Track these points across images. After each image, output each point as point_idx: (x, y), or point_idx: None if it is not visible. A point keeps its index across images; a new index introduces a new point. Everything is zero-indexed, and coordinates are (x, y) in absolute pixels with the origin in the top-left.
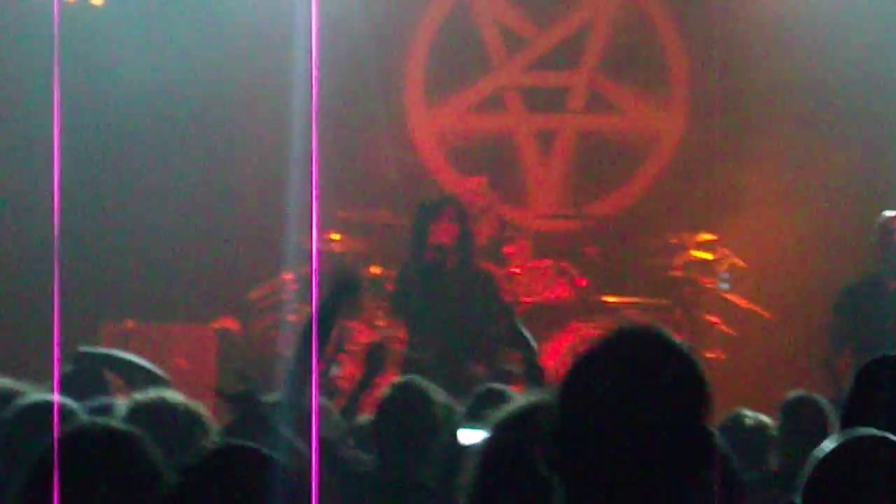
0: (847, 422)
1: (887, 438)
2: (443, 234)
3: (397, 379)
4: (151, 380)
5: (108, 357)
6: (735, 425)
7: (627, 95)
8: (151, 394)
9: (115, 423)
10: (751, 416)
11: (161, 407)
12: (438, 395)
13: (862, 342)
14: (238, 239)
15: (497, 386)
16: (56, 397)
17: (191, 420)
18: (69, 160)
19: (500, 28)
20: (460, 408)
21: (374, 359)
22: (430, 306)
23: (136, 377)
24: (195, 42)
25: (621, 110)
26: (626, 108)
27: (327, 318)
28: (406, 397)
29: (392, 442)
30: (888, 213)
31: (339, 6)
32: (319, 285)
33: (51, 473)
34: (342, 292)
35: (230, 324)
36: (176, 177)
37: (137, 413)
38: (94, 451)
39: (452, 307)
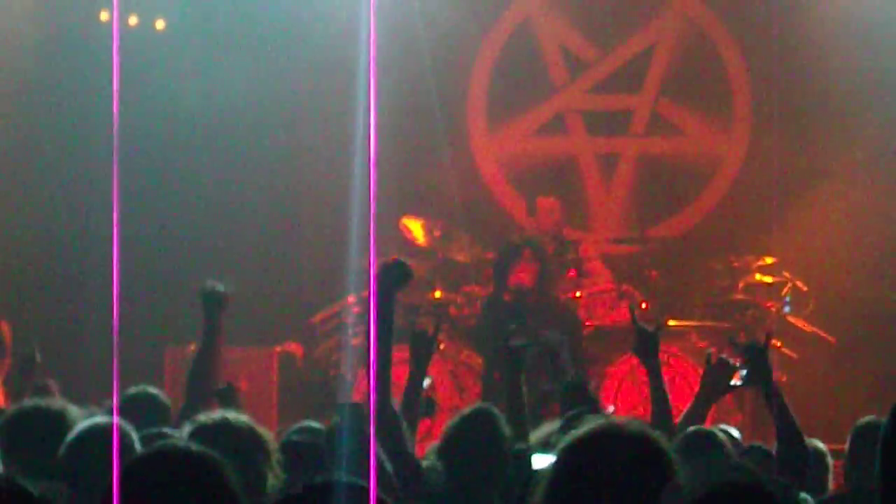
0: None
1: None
2: (522, 273)
3: (465, 409)
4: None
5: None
6: None
7: (689, 118)
8: (215, 415)
9: (194, 446)
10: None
11: (225, 429)
12: (505, 424)
13: None
14: (302, 262)
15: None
16: (116, 420)
17: (254, 443)
18: (130, 184)
19: (563, 51)
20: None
21: (420, 347)
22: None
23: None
24: (255, 65)
25: (683, 133)
26: (689, 131)
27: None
28: (474, 426)
29: (461, 469)
30: None
31: (401, 29)
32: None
33: (126, 496)
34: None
35: (293, 347)
36: (238, 201)
37: (201, 434)
38: (172, 474)
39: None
